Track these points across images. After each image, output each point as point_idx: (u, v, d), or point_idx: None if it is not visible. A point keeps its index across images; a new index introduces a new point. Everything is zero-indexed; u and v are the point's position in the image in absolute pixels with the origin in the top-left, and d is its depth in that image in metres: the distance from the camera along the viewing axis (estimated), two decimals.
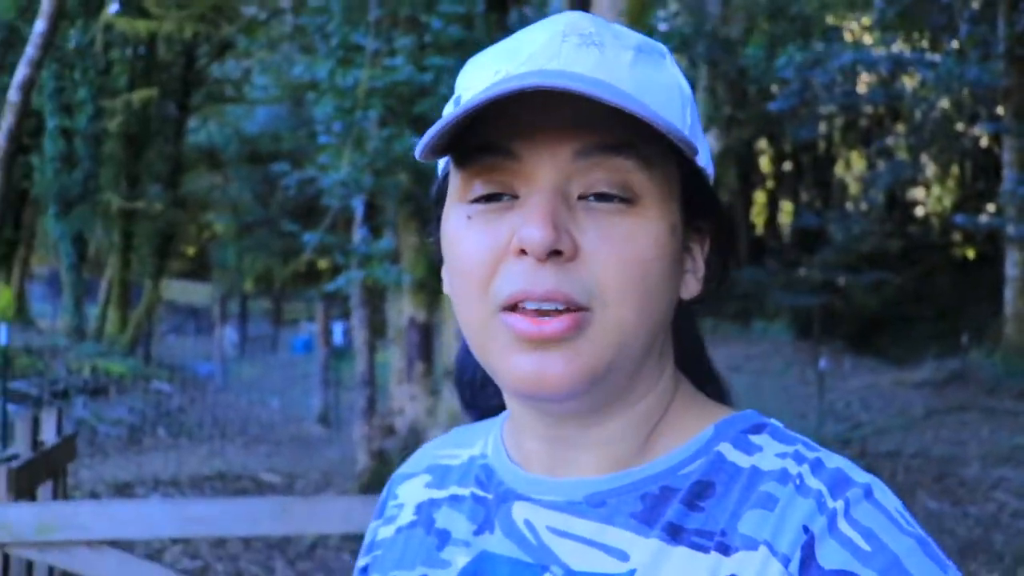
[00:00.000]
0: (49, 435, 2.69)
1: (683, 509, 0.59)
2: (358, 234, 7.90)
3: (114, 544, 2.27)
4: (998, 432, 9.58)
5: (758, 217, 24.93)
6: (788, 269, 16.92)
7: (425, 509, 0.73)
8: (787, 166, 24.88)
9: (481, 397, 0.78)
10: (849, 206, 20.49)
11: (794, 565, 0.54)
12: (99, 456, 8.44)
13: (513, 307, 0.57)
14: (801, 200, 24.07)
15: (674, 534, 0.59)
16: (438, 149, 0.58)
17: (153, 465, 8.20)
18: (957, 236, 18.93)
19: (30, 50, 7.11)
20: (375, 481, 7.15)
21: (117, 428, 9.83)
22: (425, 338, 7.97)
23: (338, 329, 16.16)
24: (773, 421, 0.64)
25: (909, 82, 16.01)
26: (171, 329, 21.61)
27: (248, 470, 8.22)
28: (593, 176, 0.57)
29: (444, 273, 0.65)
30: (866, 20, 16.63)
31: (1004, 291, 13.37)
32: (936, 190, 22.03)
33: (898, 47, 15.24)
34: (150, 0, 15.04)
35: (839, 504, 0.55)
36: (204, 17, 15.59)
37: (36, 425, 2.59)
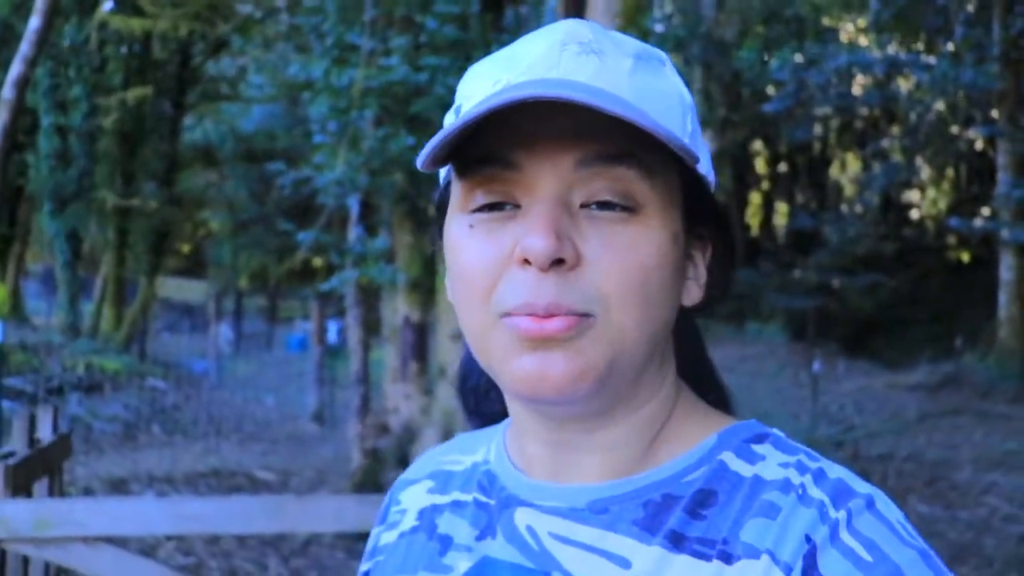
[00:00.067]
0: (45, 432, 2.70)
1: (685, 517, 0.60)
2: (353, 233, 7.91)
3: (109, 540, 2.28)
4: (991, 436, 9.61)
5: (753, 218, 24.96)
6: (783, 270, 16.93)
7: (427, 515, 0.73)
8: (782, 167, 24.91)
9: (484, 404, 0.78)
10: (844, 208, 20.51)
11: (796, 574, 0.54)
12: (94, 453, 8.43)
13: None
14: (796, 202, 24.10)
15: (676, 542, 0.59)
16: (439, 159, 0.58)
17: (148, 462, 8.20)
18: (952, 239, 18.98)
19: (25, 47, 7.10)
20: (368, 480, 7.16)
21: (112, 425, 9.82)
22: (420, 337, 7.97)
23: (333, 328, 16.16)
24: (775, 431, 0.65)
25: (904, 84, 16.06)
26: (166, 326, 21.57)
27: (243, 467, 8.23)
28: (595, 185, 0.58)
29: (447, 280, 0.65)
30: (861, 22, 16.67)
31: (998, 295, 13.41)
32: (931, 193, 22.08)
33: (893, 49, 15.27)
34: None
35: (841, 514, 0.56)
36: (199, 15, 15.58)
37: (33, 422, 2.60)
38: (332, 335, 15.86)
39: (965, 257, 18.88)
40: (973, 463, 8.46)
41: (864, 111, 19.20)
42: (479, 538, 0.67)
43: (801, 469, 0.60)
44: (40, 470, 2.54)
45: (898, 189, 19.72)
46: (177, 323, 21.92)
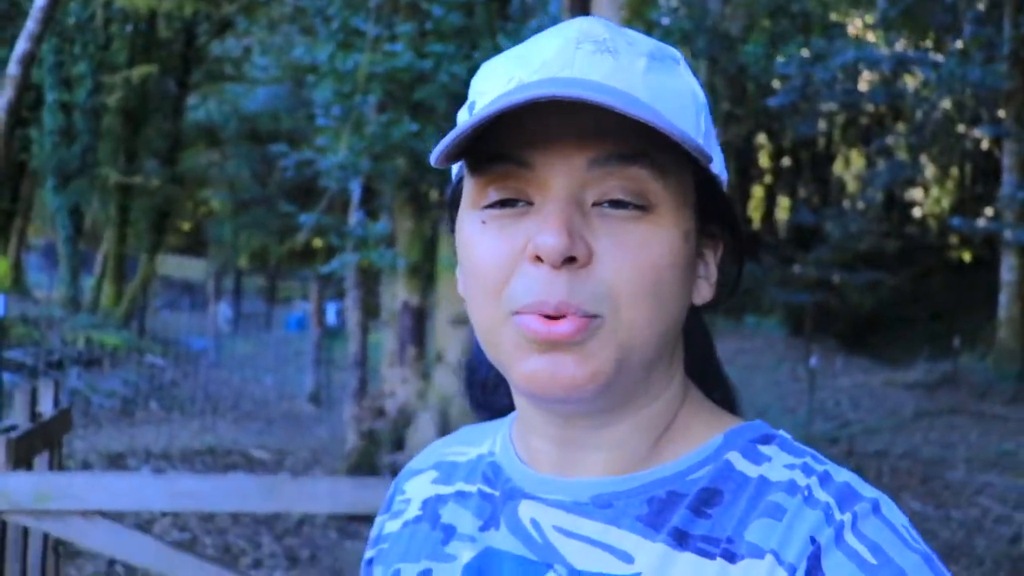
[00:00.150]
0: (47, 406, 2.73)
1: (689, 515, 0.60)
2: (354, 217, 7.91)
3: (106, 515, 2.31)
4: (986, 437, 9.63)
5: (755, 212, 24.93)
6: (783, 265, 16.92)
7: (431, 504, 0.73)
8: (786, 162, 24.86)
9: (492, 398, 0.78)
10: (847, 204, 20.49)
11: (800, 575, 0.54)
12: (92, 427, 8.47)
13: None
14: (799, 196, 24.07)
15: (680, 539, 0.59)
16: (452, 155, 0.58)
17: (145, 437, 8.23)
18: (954, 238, 18.96)
19: (30, 24, 7.08)
20: (364, 462, 7.19)
21: (110, 400, 9.86)
22: (418, 322, 7.99)
23: (331, 309, 16.17)
24: (782, 432, 0.65)
25: (911, 81, 16.00)
26: (165, 304, 21.59)
27: (238, 446, 8.26)
28: (608, 184, 0.57)
29: (459, 274, 0.65)
30: (869, 18, 16.60)
31: (999, 295, 13.40)
32: (935, 191, 22.06)
33: (901, 46, 15.22)
34: None
35: (847, 517, 0.56)
36: None
37: (34, 396, 2.62)
38: (331, 317, 15.88)
39: (967, 257, 18.88)
40: (967, 463, 8.48)
41: (870, 108, 19.14)
42: (483, 529, 0.67)
43: (807, 471, 0.60)
44: (41, 444, 2.57)
45: (902, 187, 19.70)
46: (177, 301, 21.94)
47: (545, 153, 0.57)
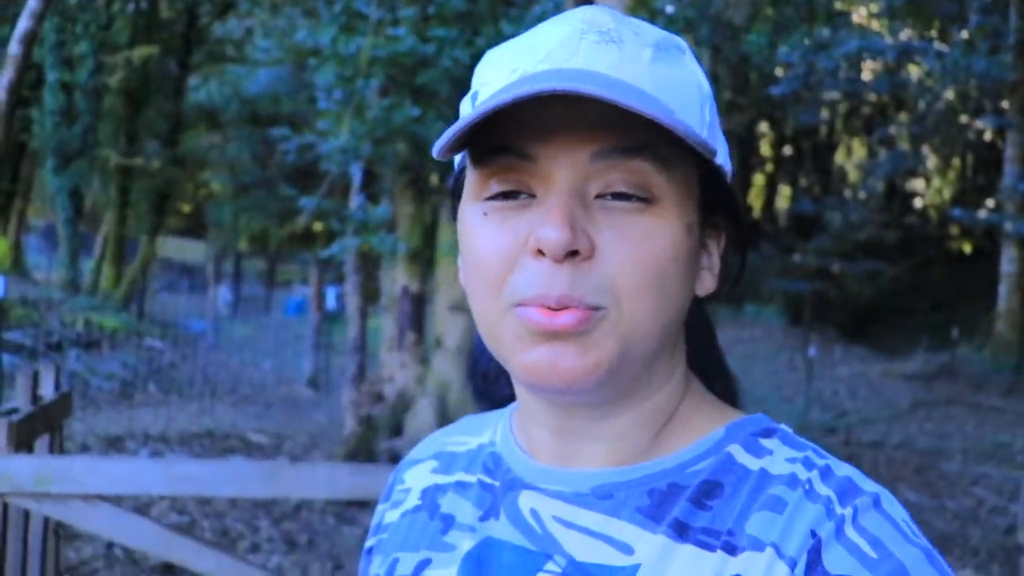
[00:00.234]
0: (47, 390, 2.73)
1: (690, 507, 0.60)
2: (355, 201, 7.90)
3: (106, 498, 2.32)
4: (982, 428, 9.66)
5: (755, 200, 24.90)
6: (783, 254, 16.91)
7: (430, 494, 0.73)
8: (787, 150, 24.81)
9: (494, 388, 0.78)
10: (847, 194, 20.46)
11: (800, 568, 0.54)
12: (91, 409, 8.48)
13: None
14: (799, 185, 24.04)
15: (680, 531, 0.59)
16: (454, 146, 0.58)
17: (143, 420, 8.25)
18: (954, 229, 18.96)
19: (32, 3, 7.06)
20: (362, 447, 7.21)
21: (109, 382, 9.87)
22: (417, 308, 7.99)
23: (331, 294, 16.17)
24: (783, 426, 0.64)
25: (915, 71, 15.95)
26: (165, 286, 21.59)
27: (237, 429, 8.28)
28: (610, 177, 0.57)
29: (460, 264, 0.65)
30: (874, 7, 16.52)
31: (998, 287, 13.41)
32: (936, 182, 22.03)
33: (905, 36, 15.15)
34: None
35: (847, 511, 0.56)
36: None
37: (36, 379, 2.63)
38: (330, 301, 15.88)
39: (967, 248, 18.88)
40: (963, 454, 8.51)
41: (872, 97, 19.09)
42: (482, 519, 0.67)
43: (808, 465, 0.60)
44: (42, 427, 2.58)
45: (903, 177, 19.67)
46: (176, 283, 21.95)
47: (548, 146, 0.57)
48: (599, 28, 0.59)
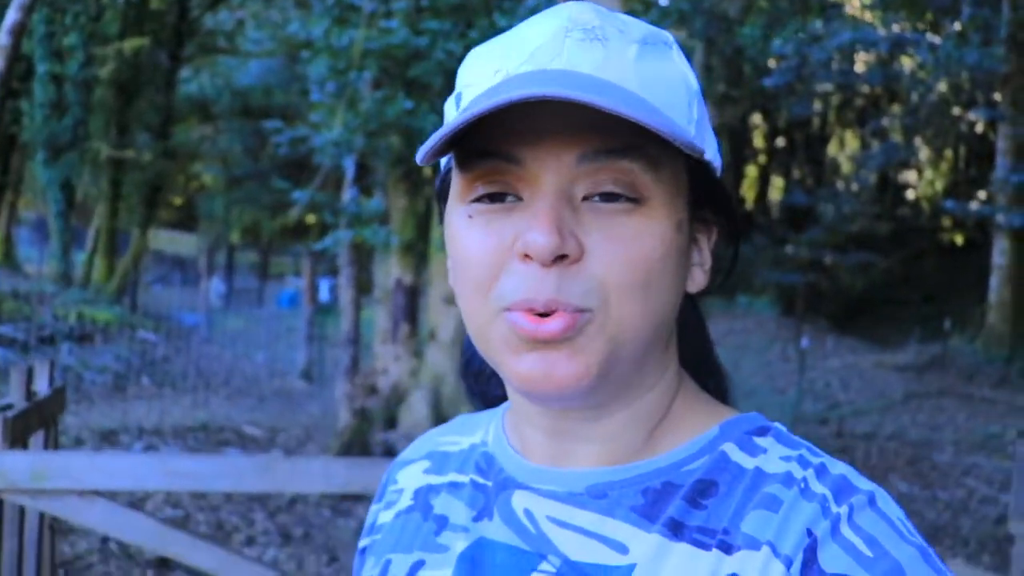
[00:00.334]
0: (42, 385, 2.73)
1: (685, 506, 0.59)
2: (348, 194, 7.89)
3: (102, 494, 2.32)
4: (974, 419, 9.71)
5: (748, 192, 24.92)
6: (776, 245, 16.93)
7: (422, 495, 0.73)
8: (780, 142, 24.83)
9: (487, 388, 0.78)
10: (840, 185, 20.48)
11: (796, 567, 0.54)
12: (84, 403, 8.46)
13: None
14: (792, 177, 24.07)
15: (675, 530, 0.59)
16: (439, 151, 0.57)
17: (137, 413, 8.24)
18: (946, 221, 19.02)
19: None
20: (356, 439, 7.21)
21: (102, 375, 9.85)
22: (411, 300, 8.00)
23: (324, 286, 16.15)
24: (777, 425, 0.64)
25: (908, 63, 15.96)
26: (157, 279, 21.54)
27: (231, 422, 8.27)
28: (598, 178, 0.57)
29: (449, 264, 0.65)
30: None
31: (990, 279, 13.46)
32: (928, 174, 22.08)
33: (898, 27, 15.16)
34: None
35: (843, 509, 0.55)
36: None
37: (30, 375, 2.63)
38: (324, 293, 15.87)
39: (959, 240, 18.95)
40: (955, 444, 8.56)
41: (865, 89, 19.11)
42: (476, 519, 0.67)
43: (803, 463, 0.59)
44: (36, 423, 2.58)
45: (895, 169, 19.71)
46: (168, 275, 21.88)
47: (534, 149, 0.56)
48: (583, 26, 0.59)
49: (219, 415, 8.59)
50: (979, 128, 18.11)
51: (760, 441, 0.62)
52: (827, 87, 17.87)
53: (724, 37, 13.12)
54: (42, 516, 2.61)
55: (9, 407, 2.45)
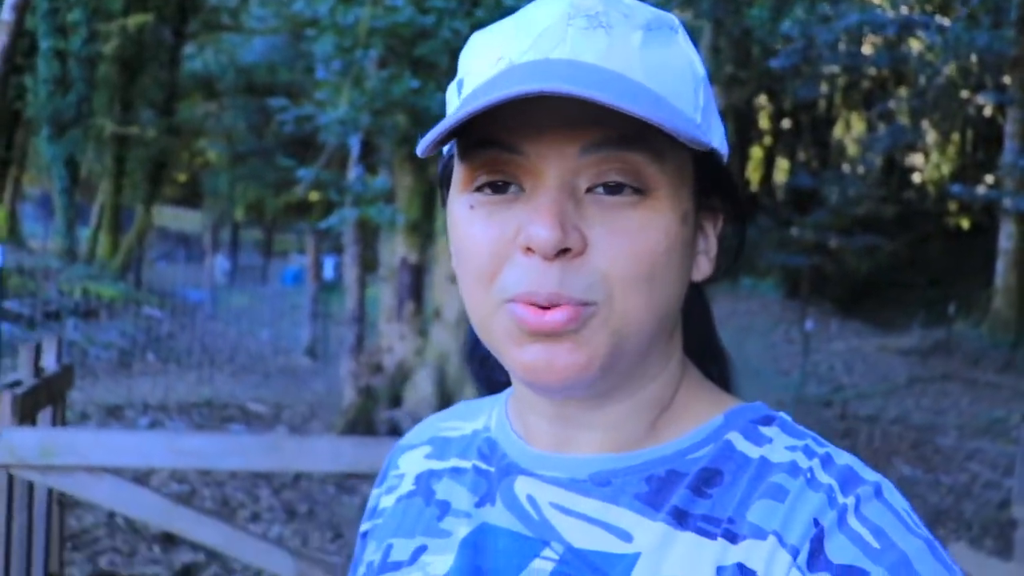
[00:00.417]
0: (50, 362, 2.74)
1: (689, 494, 0.59)
2: (353, 172, 7.87)
3: (109, 470, 2.33)
4: (977, 404, 9.72)
5: (753, 174, 24.85)
6: (780, 227, 16.90)
7: (424, 480, 0.73)
8: (786, 124, 24.72)
9: (492, 374, 0.78)
10: (846, 168, 20.41)
11: (802, 557, 0.54)
12: (89, 378, 8.49)
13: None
14: (798, 159, 23.98)
15: (680, 518, 0.59)
16: (440, 142, 0.56)
17: (142, 389, 8.27)
18: (953, 205, 18.96)
19: None
20: (361, 418, 7.24)
21: (108, 351, 9.88)
22: (416, 279, 7.99)
23: (329, 263, 16.15)
24: (782, 414, 0.64)
25: (916, 45, 15.85)
26: (161, 255, 21.57)
27: (235, 399, 8.30)
28: (602, 168, 0.56)
29: (451, 252, 0.64)
30: None
31: (996, 263, 13.43)
32: (935, 157, 21.98)
33: (907, 9, 15.03)
34: None
35: (850, 500, 0.55)
36: None
37: (38, 351, 2.63)
38: (328, 271, 15.88)
39: (965, 224, 18.89)
40: (958, 429, 8.57)
41: (872, 71, 18.99)
42: (478, 505, 0.67)
43: (809, 453, 0.59)
44: (45, 399, 2.59)
45: (902, 152, 19.63)
46: (173, 252, 21.91)
47: (537, 140, 0.56)
48: (587, 12, 0.58)
49: (224, 392, 8.62)
50: (987, 111, 17.99)
51: (765, 430, 0.62)
52: (834, 69, 17.76)
53: (732, 18, 13.03)
54: (51, 491, 2.63)
55: (18, 383, 2.46)
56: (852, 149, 22.61)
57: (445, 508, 0.69)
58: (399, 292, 7.99)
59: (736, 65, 16.32)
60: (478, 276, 0.58)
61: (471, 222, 0.58)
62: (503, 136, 0.56)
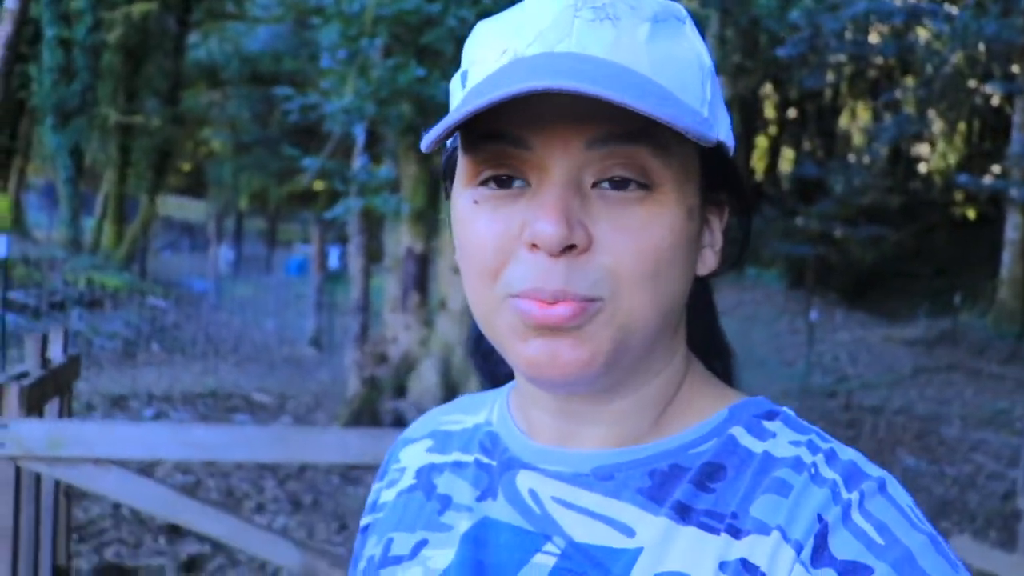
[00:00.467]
0: (56, 353, 2.74)
1: (692, 489, 0.59)
2: (358, 162, 7.86)
3: (116, 462, 2.33)
4: (982, 394, 9.71)
5: (759, 163, 24.79)
6: (785, 217, 16.86)
7: (425, 474, 0.73)
8: (791, 113, 24.65)
9: (496, 368, 0.77)
10: (851, 158, 20.34)
11: (806, 553, 0.54)
12: (94, 368, 8.51)
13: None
14: (803, 149, 23.91)
15: (683, 513, 0.58)
16: (444, 136, 0.55)
17: (147, 379, 8.29)
18: (959, 195, 18.88)
19: None
20: (366, 408, 7.25)
21: (112, 341, 9.90)
22: (421, 268, 7.99)
23: (334, 253, 16.16)
24: (786, 409, 0.64)
25: (923, 34, 15.76)
26: (166, 245, 21.60)
27: (240, 389, 8.32)
28: (608, 163, 0.55)
29: (455, 247, 0.63)
30: None
31: (1002, 254, 13.40)
32: (941, 147, 21.90)
33: None
34: None
35: (854, 496, 0.55)
36: None
37: (45, 343, 2.63)
38: (333, 260, 15.88)
39: (971, 214, 18.84)
40: (963, 420, 8.57)
41: (879, 60, 18.90)
42: (480, 499, 0.67)
43: (812, 448, 0.59)
44: (52, 390, 2.59)
45: (908, 142, 19.54)
46: (177, 242, 21.94)
47: (542, 134, 0.55)
48: (593, 3, 0.57)
49: (228, 382, 8.64)
50: (995, 101, 17.90)
51: (769, 425, 0.62)
52: (840, 58, 17.67)
53: (740, 7, 12.96)
54: (57, 483, 2.63)
55: (25, 375, 2.46)
56: (858, 139, 22.54)
57: (446, 502, 0.69)
58: (404, 282, 7.98)
59: (743, 54, 16.25)
60: (482, 271, 0.57)
61: (475, 217, 0.58)
62: (509, 130, 0.56)
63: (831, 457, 0.58)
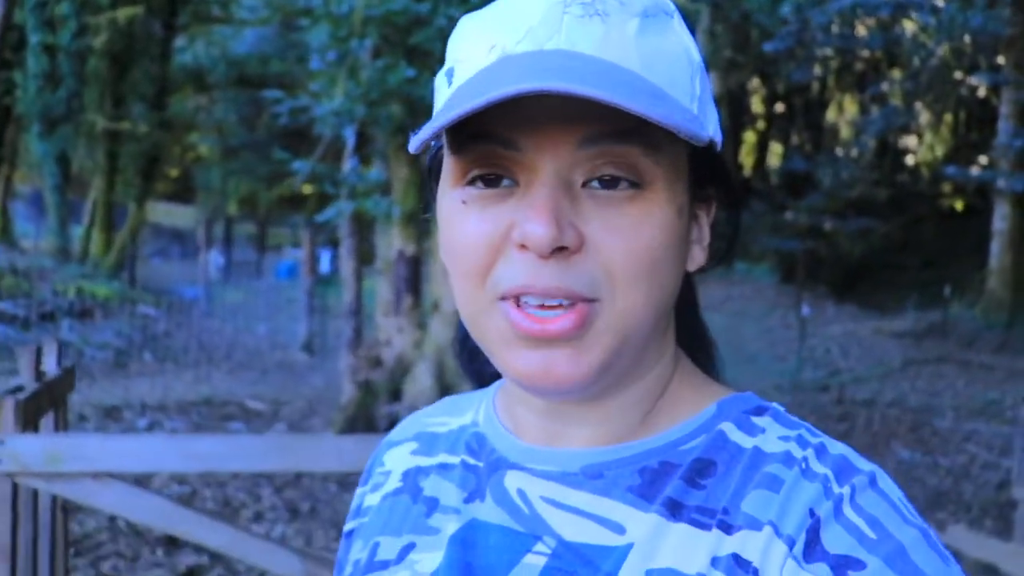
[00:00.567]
0: (50, 365, 2.71)
1: (683, 485, 0.59)
2: (349, 164, 7.83)
3: (115, 476, 2.31)
4: (973, 385, 9.75)
5: (747, 157, 24.84)
6: (774, 212, 16.89)
7: (411, 476, 0.72)
8: (779, 108, 24.71)
9: (484, 367, 0.76)
10: (839, 151, 20.40)
11: (798, 548, 0.54)
12: (86, 379, 8.45)
13: (514, 297, 0.55)
14: (791, 143, 23.98)
15: (674, 510, 0.58)
16: (433, 135, 0.54)
17: (140, 389, 8.24)
18: (947, 187, 18.96)
19: None
20: (361, 413, 7.22)
21: (103, 351, 9.84)
22: (414, 271, 7.97)
23: (325, 256, 16.11)
24: (775, 404, 0.64)
25: (909, 27, 15.82)
26: (155, 252, 21.50)
27: (234, 396, 8.28)
28: (598, 162, 0.55)
29: (441, 248, 0.62)
30: None
31: (990, 244, 13.46)
32: (928, 139, 21.99)
33: None
34: None
35: (845, 490, 0.55)
36: None
37: (39, 355, 2.61)
38: (324, 264, 15.83)
39: (959, 205, 18.92)
40: (955, 411, 8.60)
41: (865, 53, 18.95)
42: (467, 500, 0.66)
43: (802, 443, 0.59)
44: (47, 404, 2.56)
45: (895, 134, 19.61)
46: (166, 248, 21.85)
47: (533, 136, 0.54)
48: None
49: (222, 389, 8.60)
50: (981, 92, 17.98)
51: (758, 420, 0.62)
52: (827, 51, 17.71)
53: (730, 2, 12.95)
54: (55, 498, 2.61)
55: (20, 389, 2.44)
56: (845, 132, 22.60)
57: (433, 505, 0.68)
58: (396, 285, 7.96)
59: (734, 49, 16.27)
60: (470, 272, 0.57)
61: (464, 218, 0.57)
62: (497, 130, 0.55)
63: (821, 452, 0.58)
